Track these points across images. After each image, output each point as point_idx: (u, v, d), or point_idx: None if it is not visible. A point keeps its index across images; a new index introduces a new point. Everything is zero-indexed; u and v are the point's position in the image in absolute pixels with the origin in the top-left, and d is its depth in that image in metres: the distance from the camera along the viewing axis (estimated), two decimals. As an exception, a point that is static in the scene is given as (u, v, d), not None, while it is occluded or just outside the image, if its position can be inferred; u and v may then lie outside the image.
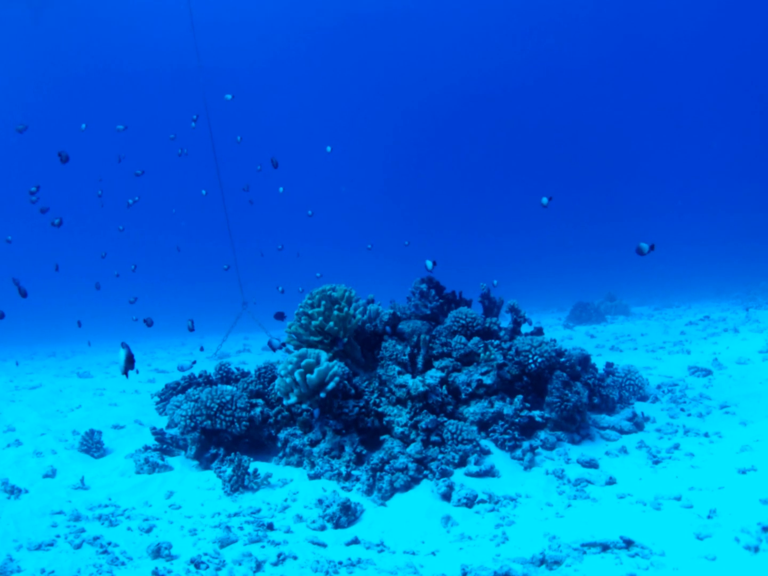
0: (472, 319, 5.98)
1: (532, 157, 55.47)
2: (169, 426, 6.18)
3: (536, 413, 5.25)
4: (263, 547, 3.54)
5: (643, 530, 3.48)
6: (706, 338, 10.70)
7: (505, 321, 6.45)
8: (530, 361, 5.51)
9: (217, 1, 39.72)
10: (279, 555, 3.38)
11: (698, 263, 30.73)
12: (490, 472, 4.53)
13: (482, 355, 5.59)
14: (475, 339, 5.76)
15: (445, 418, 4.98)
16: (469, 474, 4.50)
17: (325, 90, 51.95)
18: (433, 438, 4.78)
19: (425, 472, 4.53)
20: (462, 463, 4.65)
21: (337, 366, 5.04)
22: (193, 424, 5.10)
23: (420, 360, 5.60)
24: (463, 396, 5.37)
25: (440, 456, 4.65)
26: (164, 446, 5.37)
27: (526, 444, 4.96)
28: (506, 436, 4.99)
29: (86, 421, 6.96)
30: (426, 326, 6.05)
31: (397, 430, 4.88)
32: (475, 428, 5.02)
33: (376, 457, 4.54)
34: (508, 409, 5.18)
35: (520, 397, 5.30)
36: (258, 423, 5.27)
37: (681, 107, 50.68)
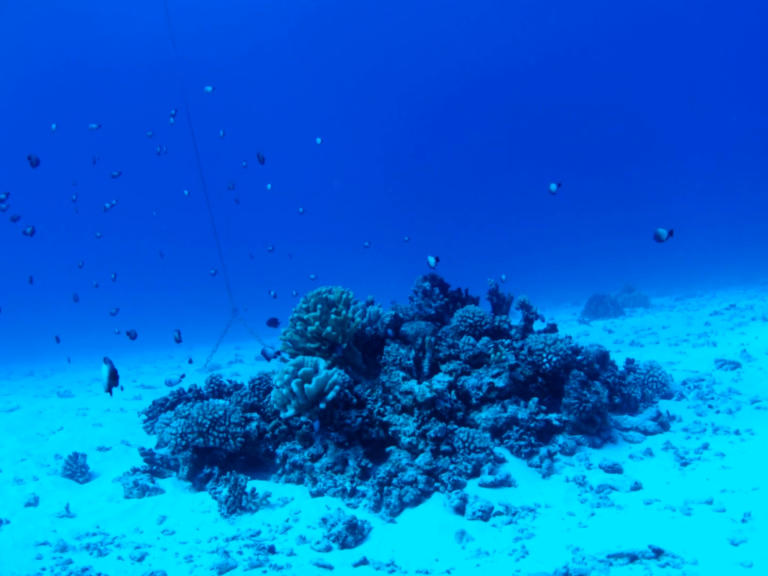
0: (480, 317, 5.99)
1: (538, 142, 55.51)
2: (158, 446, 6.19)
3: (553, 416, 5.26)
4: (265, 572, 3.55)
5: (673, 538, 3.48)
6: (733, 328, 10.71)
7: (515, 318, 6.46)
8: (544, 360, 5.52)
9: (193, -15, 39.79)
10: (282, 580, 3.38)
11: (721, 248, 30.76)
12: (505, 482, 4.53)
13: (493, 356, 5.59)
14: (485, 339, 5.76)
15: (456, 426, 4.98)
16: (483, 484, 4.51)
17: (314, 77, 51.97)
18: (444, 447, 4.79)
19: (436, 484, 4.53)
20: (475, 473, 4.66)
21: (337, 374, 5.04)
22: (184, 443, 5.10)
23: (426, 364, 5.61)
24: (473, 401, 5.37)
25: (451, 466, 4.66)
26: (154, 467, 5.38)
27: (543, 450, 4.96)
28: (522, 443, 4.99)
29: (69, 443, 6.97)
30: (431, 327, 6.05)
31: (404, 440, 4.88)
32: (488, 435, 5.02)
33: (383, 470, 4.54)
34: (522, 413, 5.18)
35: (535, 399, 5.30)
36: (254, 439, 5.27)
37: (696, 80, 50.68)
